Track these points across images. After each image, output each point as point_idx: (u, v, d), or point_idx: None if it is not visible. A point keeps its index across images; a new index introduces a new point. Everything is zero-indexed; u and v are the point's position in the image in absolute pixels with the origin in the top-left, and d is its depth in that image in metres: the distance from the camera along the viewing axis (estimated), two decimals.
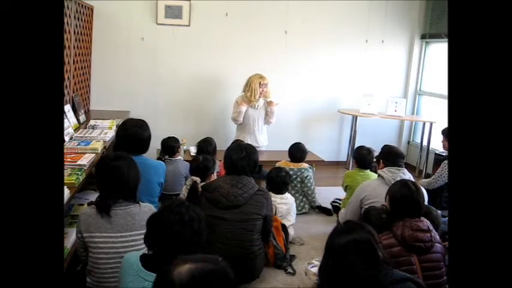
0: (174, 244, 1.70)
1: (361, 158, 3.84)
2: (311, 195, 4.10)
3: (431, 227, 2.29)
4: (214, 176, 3.35)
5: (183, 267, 1.08)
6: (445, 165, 3.78)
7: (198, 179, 3.22)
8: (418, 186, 2.46)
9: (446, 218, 3.01)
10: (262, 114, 4.71)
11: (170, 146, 3.84)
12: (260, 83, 4.54)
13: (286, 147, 4.26)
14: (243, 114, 4.62)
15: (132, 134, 2.83)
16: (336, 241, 1.71)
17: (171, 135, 3.97)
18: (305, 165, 4.08)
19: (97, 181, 2.28)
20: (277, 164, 4.06)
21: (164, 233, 1.71)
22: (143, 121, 2.97)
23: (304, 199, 4.07)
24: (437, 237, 2.32)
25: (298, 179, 4.01)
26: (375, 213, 2.66)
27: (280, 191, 3.51)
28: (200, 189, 2.98)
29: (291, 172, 3.95)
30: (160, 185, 2.97)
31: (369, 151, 3.85)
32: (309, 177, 4.04)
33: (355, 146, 4.64)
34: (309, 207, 4.13)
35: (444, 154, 4.47)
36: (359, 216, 3.14)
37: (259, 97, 4.59)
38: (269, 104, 4.65)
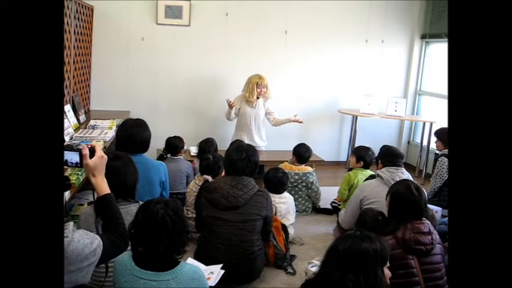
0: (152, 244, 1.70)
1: (366, 157, 3.88)
2: (318, 199, 4.10)
3: (432, 229, 2.26)
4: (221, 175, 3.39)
5: None
6: (439, 163, 3.79)
7: (209, 178, 3.28)
8: (421, 189, 2.41)
9: (447, 219, 3.01)
10: (260, 114, 4.72)
11: (175, 145, 3.89)
12: (257, 83, 4.57)
13: (286, 147, 4.24)
14: (231, 114, 4.64)
15: (133, 133, 2.84)
16: (342, 245, 1.68)
17: (177, 135, 4.01)
18: (309, 168, 4.06)
19: None
20: (280, 166, 4.04)
21: (141, 234, 1.73)
22: (143, 121, 2.97)
23: (306, 203, 4.05)
24: (438, 238, 2.30)
25: (304, 184, 3.99)
26: (371, 214, 2.66)
27: (277, 191, 3.49)
28: None
29: (296, 177, 3.95)
30: (161, 184, 2.97)
31: (372, 151, 3.91)
32: (314, 182, 4.03)
33: (355, 146, 4.64)
34: (312, 209, 4.11)
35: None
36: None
37: (258, 98, 4.63)
38: (294, 119, 4.65)
